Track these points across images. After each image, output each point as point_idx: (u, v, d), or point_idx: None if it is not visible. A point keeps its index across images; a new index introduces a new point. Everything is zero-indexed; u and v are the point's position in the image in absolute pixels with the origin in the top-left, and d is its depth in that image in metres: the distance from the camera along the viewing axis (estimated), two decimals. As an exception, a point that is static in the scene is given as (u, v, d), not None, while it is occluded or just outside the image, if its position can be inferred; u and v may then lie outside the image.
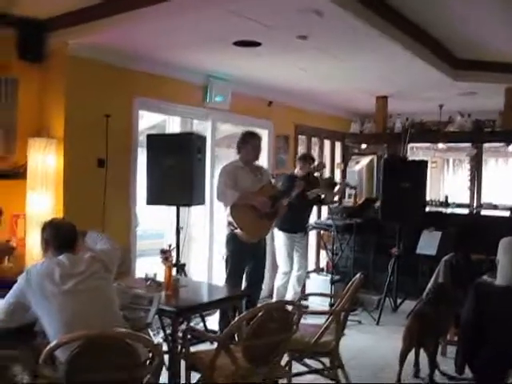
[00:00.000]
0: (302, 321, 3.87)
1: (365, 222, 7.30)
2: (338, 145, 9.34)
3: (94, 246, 3.33)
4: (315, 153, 8.75)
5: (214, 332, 5.34)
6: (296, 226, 6.46)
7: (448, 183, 11.57)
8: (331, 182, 6.43)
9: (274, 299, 6.66)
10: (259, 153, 5.51)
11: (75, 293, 2.77)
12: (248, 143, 5.38)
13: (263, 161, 7.29)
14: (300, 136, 8.28)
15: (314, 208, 7.41)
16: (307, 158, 6.70)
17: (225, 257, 5.39)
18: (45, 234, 3.11)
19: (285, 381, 4.14)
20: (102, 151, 5.22)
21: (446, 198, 8.84)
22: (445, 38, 5.58)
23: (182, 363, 3.65)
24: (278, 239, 6.52)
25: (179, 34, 4.71)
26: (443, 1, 4.46)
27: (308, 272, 7.60)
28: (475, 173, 8.70)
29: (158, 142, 5.49)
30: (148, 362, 2.81)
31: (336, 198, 6.82)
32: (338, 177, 9.22)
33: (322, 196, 6.74)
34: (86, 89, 5.10)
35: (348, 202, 8.10)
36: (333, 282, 6.79)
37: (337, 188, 6.88)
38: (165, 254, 3.98)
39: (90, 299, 2.81)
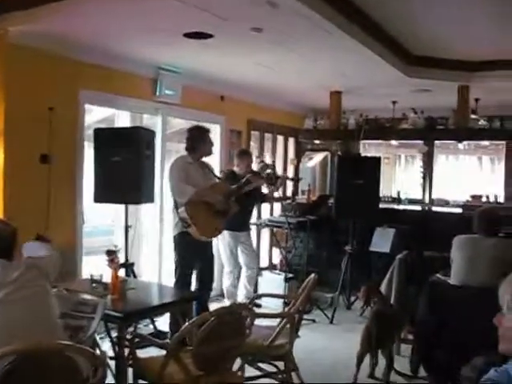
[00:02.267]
0: (255, 322, 3.74)
1: (318, 219, 7.21)
2: (291, 141, 9.25)
3: (32, 254, 3.08)
4: (268, 148, 8.65)
5: (164, 333, 5.18)
6: (239, 224, 6.27)
7: (400, 179, 11.64)
8: (272, 176, 6.23)
9: (226, 299, 6.54)
10: (212, 148, 5.41)
11: (6, 303, 2.53)
12: (203, 140, 5.23)
13: (215, 156, 7.13)
14: (253, 131, 8.14)
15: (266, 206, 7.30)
16: (244, 154, 6.55)
17: (174, 257, 5.21)
18: None
19: (238, 386, 4.00)
20: (46, 146, 4.97)
21: (399, 194, 8.89)
22: (400, 35, 5.56)
23: (130, 370, 3.47)
24: (221, 238, 6.34)
25: (127, 23, 4.52)
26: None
27: (261, 269, 7.49)
28: (427, 169, 8.76)
29: (106, 137, 5.27)
30: (91, 374, 2.61)
31: (276, 194, 6.67)
32: (290, 173, 9.15)
33: (264, 192, 6.61)
34: (27, 79, 4.83)
35: (301, 198, 8.00)
36: (286, 280, 6.68)
37: (279, 182, 6.70)
38: (110, 255, 3.76)
39: (25, 309, 2.58)
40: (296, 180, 7.98)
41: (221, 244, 6.40)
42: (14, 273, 2.64)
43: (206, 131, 5.32)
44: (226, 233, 6.18)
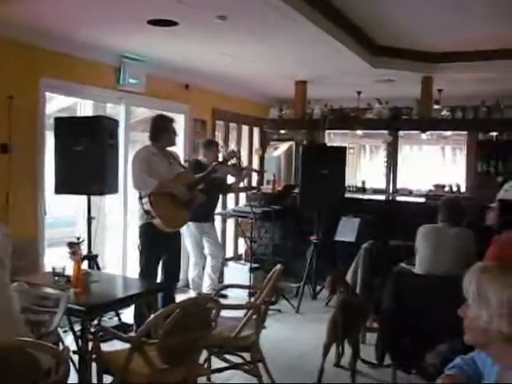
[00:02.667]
0: (221, 313, 3.70)
1: (284, 209, 7.22)
2: (256, 130, 9.22)
3: None
4: (233, 138, 8.60)
5: (129, 326, 5.11)
6: (204, 214, 6.21)
7: (364, 169, 11.72)
8: (238, 165, 6.19)
9: (191, 290, 6.50)
10: (176, 137, 5.30)
11: None
12: (166, 129, 5.12)
13: (179, 146, 7.05)
14: (218, 121, 8.08)
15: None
16: (211, 144, 6.51)
17: (139, 248, 5.13)
18: None
19: (204, 379, 3.97)
20: (5, 136, 4.84)
21: (363, 183, 8.96)
22: (365, 24, 5.57)
23: (94, 365, 3.40)
24: (186, 229, 6.28)
25: (90, 9, 4.41)
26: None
27: (226, 260, 7.47)
28: (391, 159, 8.83)
29: (67, 126, 5.15)
30: (54, 369, 2.54)
31: (242, 184, 6.65)
32: (255, 163, 9.13)
33: (229, 182, 6.58)
34: (-15, 67, 4.68)
35: (266, 188, 7.98)
36: (251, 270, 6.66)
37: (244, 173, 6.67)
38: (72, 247, 3.67)
39: None
40: (261, 172, 7.96)
41: (186, 235, 6.33)
42: None
43: (170, 121, 5.21)
44: (191, 224, 6.12)
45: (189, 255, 6.54)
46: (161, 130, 5.11)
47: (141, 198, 4.94)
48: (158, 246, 5.03)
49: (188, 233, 6.32)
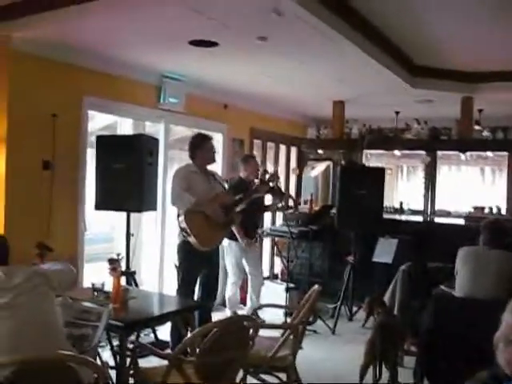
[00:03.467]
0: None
1: (321, 229, 7.18)
2: (293, 150, 9.23)
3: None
4: (270, 157, 8.62)
5: (165, 343, 5.13)
6: (246, 233, 6.23)
7: (402, 190, 11.60)
8: (278, 189, 6.18)
9: (227, 309, 6.49)
10: (215, 155, 5.30)
11: (7, 309, 2.50)
12: (202, 147, 5.15)
13: (217, 165, 7.11)
14: (255, 140, 8.12)
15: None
16: (249, 159, 6.55)
17: (177, 265, 5.15)
18: None
19: (240, 398, 3.95)
20: (48, 153, 4.95)
21: (401, 204, 8.84)
22: (404, 45, 5.54)
23: (131, 380, 3.42)
24: (227, 248, 6.32)
25: (132, 30, 4.50)
26: (405, 6, 4.38)
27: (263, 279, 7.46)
28: (429, 180, 8.72)
29: (108, 144, 5.25)
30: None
31: (280, 205, 6.66)
32: (292, 183, 9.13)
33: (267, 203, 6.58)
34: (30, 86, 4.81)
35: (304, 208, 7.96)
36: (288, 290, 6.62)
37: (283, 197, 6.67)
38: (113, 264, 3.72)
39: (29, 315, 2.55)
40: (296, 202, 7.87)
41: (226, 254, 6.37)
42: (15, 279, 2.63)
43: (205, 138, 5.23)
44: (232, 243, 6.17)
45: (226, 274, 6.55)
46: (196, 147, 5.16)
47: (178, 215, 4.97)
48: (196, 263, 5.04)
49: (229, 251, 6.34)
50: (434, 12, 4.47)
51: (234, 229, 5.90)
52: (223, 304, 6.66)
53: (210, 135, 5.40)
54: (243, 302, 6.74)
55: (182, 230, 4.91)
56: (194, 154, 5.17)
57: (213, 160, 5.29)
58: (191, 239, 4.87)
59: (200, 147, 5.15)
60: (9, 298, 2.54)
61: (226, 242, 6.29)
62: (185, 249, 5.00)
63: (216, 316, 5.33)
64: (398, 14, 4.61)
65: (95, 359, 3.18)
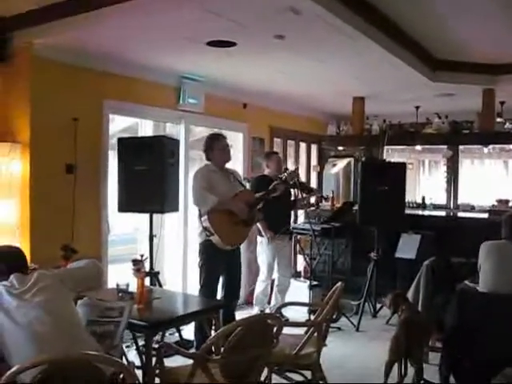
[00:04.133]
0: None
1: (343, 226, 7.15)
2: (313, 147, 9.22)
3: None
4: (291, 155, 8.62)
5: (190, 342, 5.17)
6: (277, 228, 6.27)
7: (424, 185, 11.51)
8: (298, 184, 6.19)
9: (254, 306, 6.51)
10: (229, 153, 5.28)
11: (29, 309, 2.61)
12: (214, 147, 5.17)
13: (238, 164, 7.14)
14: (276, 139, 8.13)
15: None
16: (271, 155, 6.62)
17: (200, 265, 5.18)
18: None
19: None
20: (71, 156, 5.02)
21: (423, 199, 8.79)
22: (423, 39, 5.51)
23: (157, 380, 3.45)
24: (259, 246, 6.38)
25: (149, 33, 4.54)
26: (423, 0, 4.34)
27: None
28: (451, 174, 8.66)
29: (129, 146, 5.27)
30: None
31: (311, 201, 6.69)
32: (314, 180, 9.12)
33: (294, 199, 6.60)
34: (52, 91, 4.89)
35: (325, 205, 7.95)
36: (311, 288, 6.62)
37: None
38: (137, 264, 3.76)
39: (45, 314, 2.63)
40: (321, 197, 7.82)
41: (261, 253, 6.43)
42: (26, 283, 2.76)
43: (215, 138, 5.23)
44: (264, 241, 6.29)
45: (249, 272, 6.57)
46: (209, 149, 5.18)
47: (200, 215, 5.00)
48: (218, 263, 5.07)
49: (262, 250, 6.40)
50: (452, 5, 4.43)
51: (258, 225, 5.96)
52: (246, 303, 6.68)
53: (221, 134, 5.44)
54: (268, 300, 6.75)
55: (205, 229, 4.94)
56: (209, 156, 5.20)
57: (228, 158, 5.27)
58: (214, 238, 4.90)
59: (212, 148, 5.17)
60: (23, 302, 2.64)
61: (259, 239, 6.35)
62: (207, 248, 5.03)
63: (241, 315, 5.35)
64: (417, 9, 4.58)
65: (121, 359, 3.23)
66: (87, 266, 3.27)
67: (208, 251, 5.04)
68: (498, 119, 7.26)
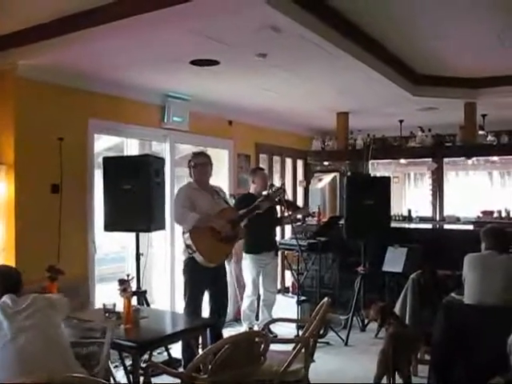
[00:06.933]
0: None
1: (329, 241, 7.17)
2: (299, 163, 9.27)
3: None
4: (277, 171, 8.66)
5: (178, 361, 5.14)
6: (261, 246, 6.29)
7: (410, 197, 11.58)
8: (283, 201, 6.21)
9: (242, 322, 6.49)
10: (210, 171, 5.28)
11: (18, 332, 2.61)
12: (195, 165, 5.20)
13: (224, 180, 7.16)
14: (261, 155, 8.16)
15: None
16: (257, 171, 6.66)
17: (184, 282, 5.17)
18: None
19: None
20: (56, 176, 5.02)
21: (409, 212, 8.84)
22: (404, 54, 5.57)
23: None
24: (244, 262, 6.38)
25: (134, 53, 4.57)
26: (403, 16, 4.41)
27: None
28: (437, 186, 8.73)
29: (115, 166, 5.28)
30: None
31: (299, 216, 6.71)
32: (300, 195, 9.16)
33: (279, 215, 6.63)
34: (37, 111, 4.89)
35: (312, 220, 7.97)
36: (299, 303, 6.62)
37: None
38: (123, 284, 3.76)
39: (35, 337, 2.64)
40: (306, 215, 7.85)
41: (244, 268, 6.43)
42: (21, 305, 2.78)
43: (196, 156, 5.27)
44: (248, 257, 6.26)
45: (235, 289, 6.56)
46: (191, 167, 5.22)
47: (183, 232, 5.00)
48: (202, 280, 5.04)
49: (247, 265, 6.39)
50: (431, 20, 4.49)
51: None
52: (235, 319, 6.66)
53: (202, 152, 5.48)
54: (256, 316, 6.74)
55: (188, 246, 4.93)
56: (192, 174, 5.23)
57: (209, 174, 5.28)
58: (196, 255, 4.89)
59: (193, 166, 5.21)
60: (17, 322, 2.64)
61: (244, 255, 6.36)
62: (190, 266, 5.01)
63: (229, 332, 5.34)
64: (396, 24, 4.64)
65: (108, 380, 3.21)
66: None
67: (191, 268, 5.02)
68: (480, 132, 7.35)
